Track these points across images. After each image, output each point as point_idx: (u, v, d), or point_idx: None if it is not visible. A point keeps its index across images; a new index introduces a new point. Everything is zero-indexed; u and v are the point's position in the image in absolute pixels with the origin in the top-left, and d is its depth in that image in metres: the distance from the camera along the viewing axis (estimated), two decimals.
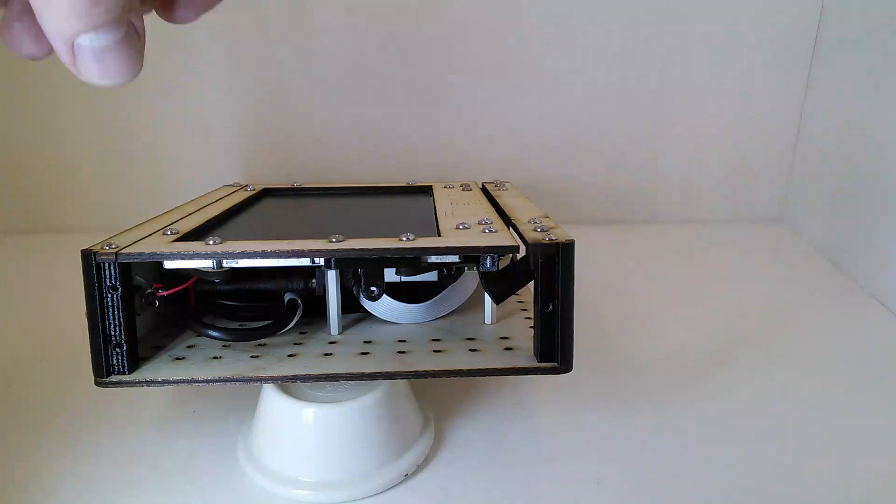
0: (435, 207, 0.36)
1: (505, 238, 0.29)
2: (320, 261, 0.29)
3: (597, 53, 0.60)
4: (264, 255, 0.27)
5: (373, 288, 0.31)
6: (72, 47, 0.20)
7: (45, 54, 0.23)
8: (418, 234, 0.29)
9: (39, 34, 0.22)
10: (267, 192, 0.45)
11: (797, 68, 0.61)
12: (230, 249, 0.27)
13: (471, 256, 0.30)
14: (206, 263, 0.28)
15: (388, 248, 0.27)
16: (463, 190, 0.43)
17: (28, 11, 0.22)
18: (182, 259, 0.28)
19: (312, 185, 0.45)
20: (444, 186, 0.42)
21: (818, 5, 0.59)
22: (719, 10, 0.59)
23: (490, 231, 0.30)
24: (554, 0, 0.58)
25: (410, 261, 0.30)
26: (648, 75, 0.61)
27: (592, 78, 0.61)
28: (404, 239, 0.28)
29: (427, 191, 0.41)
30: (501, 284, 0.30)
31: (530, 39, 0.59)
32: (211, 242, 0.28)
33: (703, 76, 0.61)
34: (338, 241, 0.28)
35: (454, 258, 0.29)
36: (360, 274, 0.31)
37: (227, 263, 0.29)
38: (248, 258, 0.28)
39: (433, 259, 0.29)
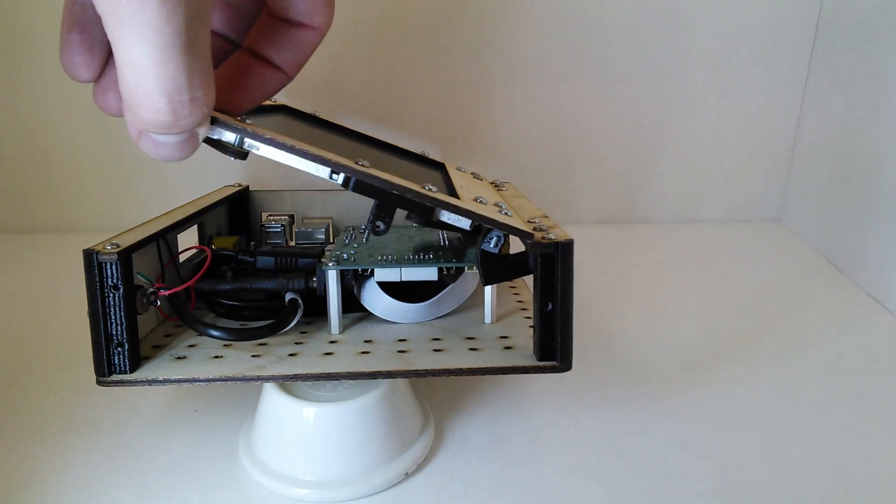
0: (451, 179, 0.36)
1: (519, 223, 0.29)
2: (339, 178, 0.27)
3: (596, 53, 0.60)
4: (291, 149, 0.26)
5: (379, 222, 0.30)
6: (140, 133, 0.23)
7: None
8: (438, 191, 0.29)
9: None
10: (285, 109, 0.42)
11: (796, 68, 0.61)
12: (260, 131, 0.26)
13: (474, 235, 0.30)
14: (230, 137, 0.26)
15: (412, 189, 0.27)
16: (474, 177, 0.43)
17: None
18: (212, 123, 0.26)
19: (331, 120, 0.43)
20: (456, 167, 0.42)
21: (817, 5, 0.59)
22: (718, 10, 0.59)
23: (506, 213, 0.30)
24: (554, 0, 0.58)
25: (425, 210, 0.29)
26: (648, 75, 0.61)
27: (592, 78, 0.61)
28: (426, 188, 0.28)
29: (440, 166, 0.41)
30: (496, 267, 0.30)
31: (530, 39, 0.59)
32: (242, 118, 0.27)
33: (701, 76, 0.61)
34: (363, 166, 0.27)
35: (466, 224, 0.29)
36: (373, 206, 0.30)
37: (248, 145, 0.27)
38: (273, 146, 0.26)
39: (446, 217, 0.29)
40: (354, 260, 0.33)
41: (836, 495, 0.30)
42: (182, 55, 0.21)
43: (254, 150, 0.27)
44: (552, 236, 0.29)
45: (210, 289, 0.34)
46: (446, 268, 0.34)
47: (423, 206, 0.28)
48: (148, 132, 0.23)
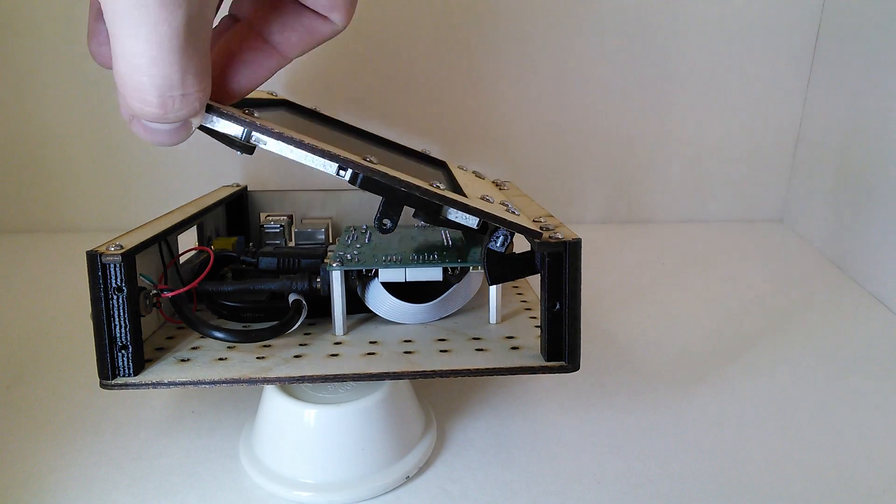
0: (455, 178, 0.36)
1: (526, 221, 0.29)
2: (347, 175, 0.27)
3: (597, 53, 0.60)
4: (299, 144, 0.26)
5: (386, 220, 0.29)
6: (132, 118, 0.23)
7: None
8: (445, 189, 0.28)
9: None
10: (287, 104, 0.42)
11: (798, 68, 0.61)
12: (268, 125, 0.26)
13: (481, 232, 0.29)
14: (235, 131, 0.26)
15: (419, 187, 0.27)
16: (476, 176, 0.42)
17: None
18: (219, 116, 0.25)
19: (333, 117, 0.43)
20: (458, 166, 0.42)
21: (819, 5, 0.59)
22: (720, 10, 0.59)
23: (513, 212, 0.30)
24: (554, 0, 0.58)
25: (432, 207, 0.29)
26: (649, 75, 0.61)
27: (592, 77, 0.61)
28: (434, 185, 0.28)
29: (443, 164, 0.41)
30: (502, 267, 0.30)
31: (530, 39, 0.59)
32: (249, 112, 0.27)
33: (703, 76, 0.61)
34: (371, 163, 0.27)
35: (474, 222, 0.29)
36: (380, 204, 0.29)
37: (255, 140, 0.26)
38: (281, 141, 0.26)
39: (453, 215, 0.28)
40: (358, 260, 0.33)
41: (836, 495, 0.30)
42: (177, 54, 0.21)
43: (261, 145, 0.26)
44: (559, 235, 0.29)
45: (213, 290, 0.34)
46: (451, 268, 0.34)
47: (431, 203, 0.28)
48: (138, 119, 0.23)
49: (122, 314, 0.28)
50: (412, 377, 0.29)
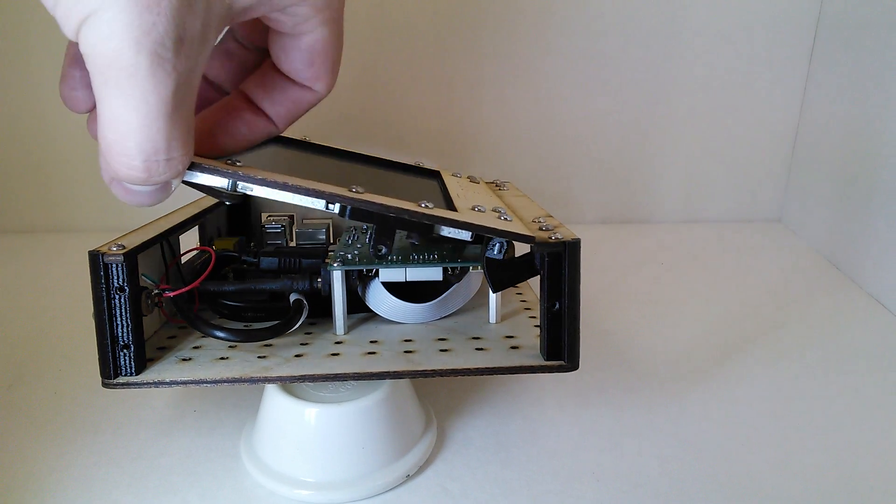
0: (447, 189, 0.36)
1: (520, 227, 0.29)
2: (335, 207, 0.28)
3: (596, 53, 0.60)
4: (284, 187, 0.26)
5: (381, 247, 0.30)
6: (112, 179, 0.23)
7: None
8: (435, 206, 0.28)
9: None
10: (277, 139, 0.42)
11: (796, 68, 0.61)
12: (250, 173, 0.26)
13: (478, 241, 0.30)
14: (220, 183, 0.26)
15: (408, 210, 0.27)
16: (470, 181, 0.43)
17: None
18: (202, 172, 0.26)
19: (323, 143, 0.43)
20: (451, 174, 0.42)
21: (817, 5, 0.59)
22: (719, 10, 0.59)
23: (505, 219, 0.30)
24: (554, 0, 0.58)
25: (424, 227, 0.29)
26: (648, 75, 0.61)
27: (592, 78, 0.61)
28: (423, 205, 0.28)
29: (436, 174, 0.41)
30: (503, 273, 0.30)
31: (530, 38, 0.59)
32: (231, 161, 0.27)
33: (702, 76, 0.61)
34: (357, 192, 0.27)
35: (467, 235, 0.29)
36: (371, 230, 0.30)
37: (241, 188, 0.27)
38: (267, 186, 0.26)
39: (446, 232, 0.29)
40: (359, 260, 0.33)
41: (836, 495, 0.30)
42: (164, 121, 0.22)
43: (248, 192, 0.27)
44: (559, 235, 0.29)
45: (214, 290, 0.34)
46: (451, 268, 0.34)
47: (421, 224, 0.28)
48: (120, 181, 0.23)
49: (124, 314, 0.28)
50: (412, 376, 0.29)
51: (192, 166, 0.25)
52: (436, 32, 0.59)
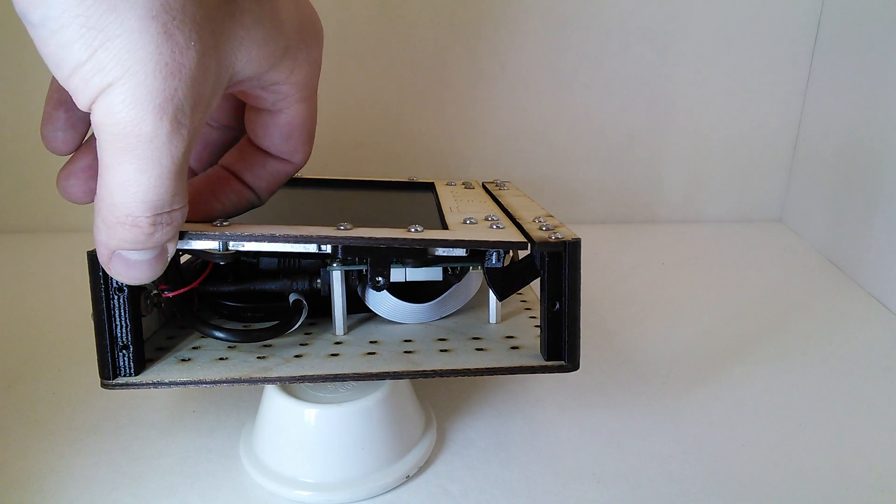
0: (439, 203, 0.36)
1: (512, 234, 0.29)
2: (327, 248, 0.28)
3: (597, 53, 0.60)
4: (272, 238, 0.27)
5: (378, 278, 0.30)
6: (112, 254, 0.23)
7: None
8: (425, 227, 0.28)
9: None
10: None
11: (797, 68, 0.61)
12: (238, 231, 0.26)
13: (477, 252, 0.30)
14: (212, 245, 0.27)
15: (397, 239, 0.27)
16: (465, 188, 0.43)
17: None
18: (190, 239, 0.26)
19: (312, 176, 0.44)
20: (445, 184, 0.42)
21: (818, 6, 0.59)
22: (719, 10, 0.59)
23: (497, 227, 0.30)
24: (553, 0, 0.58)
25: (418, 252, 0.30)
26: (649, 75, 0.61)
27: (593, 78, 0.61)
28: (412, 230, 0.28)
29: (429, 187, 0.41)
30: (506, 281, 0.30)
31: (530, 39, 0.59)
32: (218, 223, 0.27)
33: (703, 76, 0.61)
34: (346, 229, 0.27)
35: (461, 252, 0.29)
36: (367, 263, 0.31)
37: (233, 246, 0.28)
38: (256, 241, 0.27)
39: (441, 252, 0.29)
40: (359, 261, 0.33)
41: (836, 495, 0.30)
42: (174, 180, 0.22)
43: (240, 249, 0.28)
44: (559, 235, 0.29)
45: (213, 290, 0.34)
46: (451, 268, 0.34)
47: (413, 250, 0.29)
48: (120, 251, 0.23)
49: (123, 314, 0.28)
50: (412, 377, 0.29)
51: (184, 235, 0.26)
52: (436, 32, 0.59)
